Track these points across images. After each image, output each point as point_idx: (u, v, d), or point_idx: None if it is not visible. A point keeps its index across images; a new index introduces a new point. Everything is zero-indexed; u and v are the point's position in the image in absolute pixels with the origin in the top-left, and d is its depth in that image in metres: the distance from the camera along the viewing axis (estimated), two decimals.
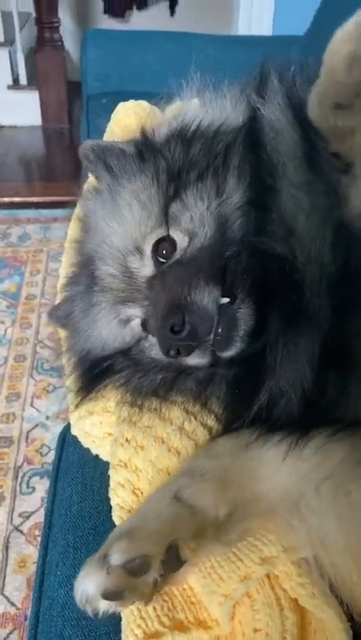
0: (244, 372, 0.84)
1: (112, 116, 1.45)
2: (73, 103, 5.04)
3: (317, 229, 0.74)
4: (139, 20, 5.82)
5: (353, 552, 0.73)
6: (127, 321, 0.93)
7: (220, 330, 0.78)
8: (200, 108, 0.98)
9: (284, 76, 0.89)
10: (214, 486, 0.80)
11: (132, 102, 1.44)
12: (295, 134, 0.79)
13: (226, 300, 0.79)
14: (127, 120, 1.36)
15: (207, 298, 0.79)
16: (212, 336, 0.79)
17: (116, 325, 0.94)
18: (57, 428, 2.29)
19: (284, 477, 0.80)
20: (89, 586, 0.72)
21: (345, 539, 0.74)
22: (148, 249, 0.88)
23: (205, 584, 0.76)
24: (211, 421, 0.92)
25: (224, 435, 0.87)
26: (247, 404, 0.82)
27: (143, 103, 1.41)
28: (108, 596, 0.71)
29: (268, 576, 0.76)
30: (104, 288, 0.92)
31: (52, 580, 0.91)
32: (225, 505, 0.79)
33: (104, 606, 0.72)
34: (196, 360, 0.82)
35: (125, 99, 1.52)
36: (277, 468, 0.80)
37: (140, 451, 0.91)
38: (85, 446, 1.06)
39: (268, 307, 0.78)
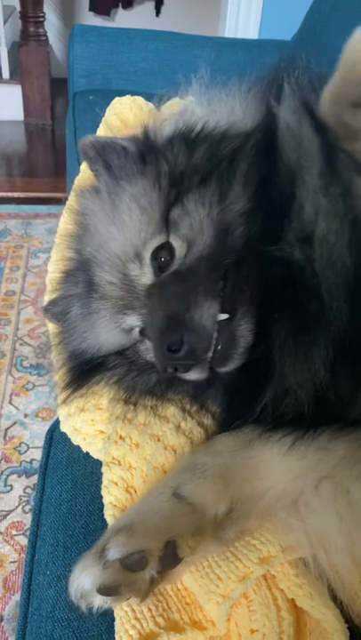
0: (243, 376, 0.83)
1: (108, 109, 1.43)
2: (55, 100, 4.99)
3: (336, 233, 0.74)
4: (124, 19, 5.80)
5: (352, 552, 0.73)
6: (129, 330, 0.91)
7: (218, 347, 0.77)
8: (206, 107, 0.96)
9: (293, 80, 0.88)
10: (214, 483, 0.80)
11: (128, 97, 1.43)
12: (316, 138, 0.77)
13: (225, 316, 0.78)
14: (126, 114, 1.34)
15: (206, 315, 0.77)
16: (210, 354, 0.78)
17: (117, 333, 0.92)
18: (36, 426, 2.27)
19: (283, 476, 0.79)
20: (85, 580, 0.70)
21: (345, 539, 0.73)
22: (147, 256, 0.85)
23: (203, 584, 0.75)
24: (208, 421, 0.91)
25: (222, 433, 0.87)
26: (247, 405, 0.81)
27: (139, 99, 1.41)
28: (104, 591, 0.69)
29: (265, 577, 0.76)
30: (103, 296, 0.89)
31: (41, 580, 0.89)
32: (224, 502, 0.78)
33: (99, 602, 0.71)
34: (193, 376, 0.82)
35: (113, 96, 1.51)
36: (276, 466, 0.80)
37: (135, 448, 0.90)
38: (75, 444, 1.04)
39: (272, 315, 0.78)
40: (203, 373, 0.81)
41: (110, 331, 0.91)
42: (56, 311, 1.02)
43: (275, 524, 0.78)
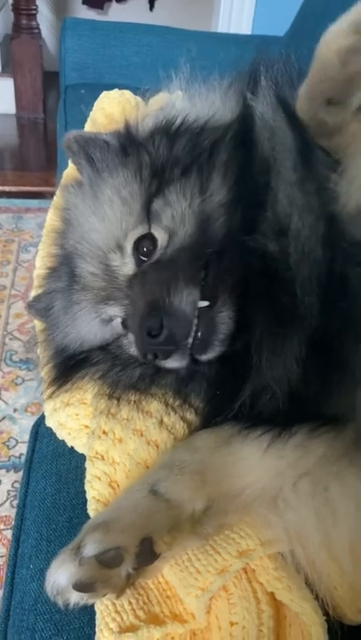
0: (225, 369, 0.84)
1: (95, 103, 1.42)
2: (47, 93, 4.96)
3: (311, 227, 0.74)
4: (117, 13, 5.76)
5: (329, 548, 0.74)
6: (109, 320, 0.91)
7: (198, 334, 0.78)
8: (187, 101, 0.97)
9: (271, 74, 0.89)
10: (192, 480, 0.80)
11: (115, 91, 1.43)
12: (290, 132, 0.78)
13: (205, 303, 0.78)
14: (111, 109, 1.34)
15: (186, 300, 0.78)
16: (190, 340, 0.78)
17: (98, 324, 0.92)
18: (25, 421, 2.26)
19: (262, 473, 0.80)
20: (61, 577, 0.71)
21: (322, 535, 0.74)
22: (129, 247, 0.86)
23: (182, 577, 0.75)
24: (190, 415, 0.92)
25: (205, 428, 0.87)
26: (229, 400, 0.82)
27: (127, 93, 1.40)
28: (79, 587, 0.70)
29: (244, 570, 0.76)
30: (85, 287, 0.90)
31: (24, 574, 0.89)
32: (201, 500, 0.79)
33: (75, 598, 0.71)
34: (174, 363, 0.82)
35: (104, 91, 1.50)
36: (255, 464, 0.80)
37: (118, 443, 0.90)
38: (60, 438, 1.05)
39: (252, 306, 0.78)
40: (183, 361, 0.81)
41: (90, 321, 0.91)
42: (40, 307, 1.03)
43: (254, 518, 0.79)
